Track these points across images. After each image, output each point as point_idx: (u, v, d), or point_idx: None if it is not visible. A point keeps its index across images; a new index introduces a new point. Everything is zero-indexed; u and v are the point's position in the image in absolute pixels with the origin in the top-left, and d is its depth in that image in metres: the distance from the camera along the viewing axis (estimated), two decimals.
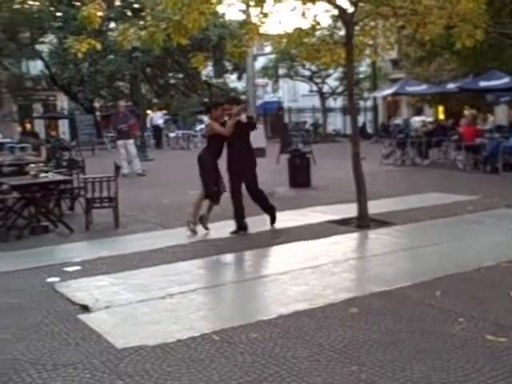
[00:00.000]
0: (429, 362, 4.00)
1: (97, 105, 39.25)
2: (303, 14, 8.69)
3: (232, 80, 39.31)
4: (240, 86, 38.27)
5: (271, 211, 8.84)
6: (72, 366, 4.15)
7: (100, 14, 7.81)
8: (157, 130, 29.90)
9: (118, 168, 9.31)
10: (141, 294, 5.77)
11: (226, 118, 8.50)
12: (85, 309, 5.34)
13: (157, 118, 30.54)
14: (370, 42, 9.47)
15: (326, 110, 37.51)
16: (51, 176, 9.31)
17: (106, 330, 4.81)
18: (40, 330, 4.87)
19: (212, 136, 8.53)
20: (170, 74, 38.22)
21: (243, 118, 8.47)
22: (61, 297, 5.73)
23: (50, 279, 6.32)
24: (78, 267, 6.79)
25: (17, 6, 29.92)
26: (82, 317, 5.14)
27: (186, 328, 4.80)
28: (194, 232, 8.44)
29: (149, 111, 31.47)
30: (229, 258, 7.25)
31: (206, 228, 8.56)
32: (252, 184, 8.57)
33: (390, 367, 3.94)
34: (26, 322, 5.07)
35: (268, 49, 30.74)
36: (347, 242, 7.95)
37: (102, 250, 7.69)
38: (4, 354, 4.39)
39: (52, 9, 32.90)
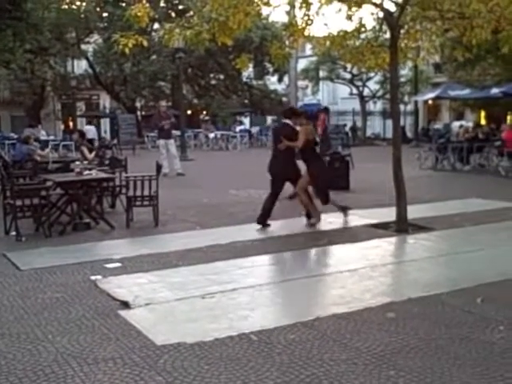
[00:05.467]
0: (468, 370, 3.97)
1: (138, 104, 39.78)
2: (349, 17, 8.67)
3: (272, 82, 39.41)
4: (280, 88, 38.36)
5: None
6: (112, 360, 4.23)
7: (148, 12, 7.90)
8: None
9: (159, 167, 9.42)
10: (179, 292, 5.84)
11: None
12: (125, 305, 5.43)
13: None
14: (415, 46, 9.37)
15: (365, 114, 37.27)
16: (95, 174, 9.48)
17: (145, 326, 4.89)
18: (82, 324, 4.98)
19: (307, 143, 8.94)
20: (211, 75, 38.54)
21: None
22: (102, 292, 5.83)
23: (91, 275, 6.44)
24: (118, 264, 6.91)
25: (64, 7, 30.51)
26: (122, 313, 5.23)
27: (224, 327, 4.84)
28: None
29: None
30: (267, 259, 7.25)
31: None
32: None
33: (428, 373, 3.92)
34: (69, 316, 5.18)
35: (309, 51, 30.68)
36: (385, 246, 7.91)
37: (142, 247, 7.80)
38: (47, 346, 4.50)
39: (98, 9, 33.53)
